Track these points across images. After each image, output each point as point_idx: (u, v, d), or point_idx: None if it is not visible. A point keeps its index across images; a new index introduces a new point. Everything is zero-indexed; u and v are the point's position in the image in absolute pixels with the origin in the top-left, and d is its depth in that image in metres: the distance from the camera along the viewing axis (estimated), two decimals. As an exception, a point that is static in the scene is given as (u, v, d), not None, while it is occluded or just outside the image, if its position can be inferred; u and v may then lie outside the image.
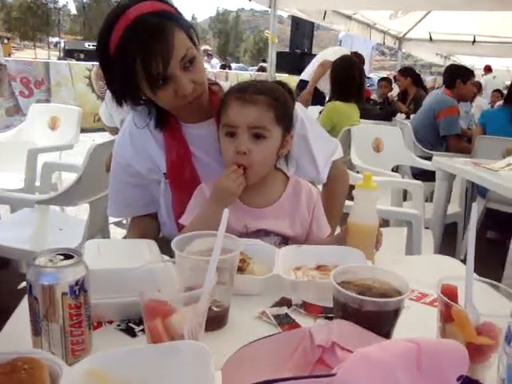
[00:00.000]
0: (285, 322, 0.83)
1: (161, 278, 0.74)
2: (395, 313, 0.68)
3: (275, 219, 1.20)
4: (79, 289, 0.66)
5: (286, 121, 1.18)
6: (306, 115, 1.40)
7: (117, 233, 2.79)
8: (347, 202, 1.50)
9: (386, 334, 0.68)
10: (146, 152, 1.33)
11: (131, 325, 0.81)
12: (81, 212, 2.55)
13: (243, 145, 1.12)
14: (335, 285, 0.69)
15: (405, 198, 3.10)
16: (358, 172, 3.09)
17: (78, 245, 2.07)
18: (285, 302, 0.90)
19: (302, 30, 14.27)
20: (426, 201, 3.07)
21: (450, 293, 0.68)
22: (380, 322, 0.67)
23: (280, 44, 6.58)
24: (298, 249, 1.07)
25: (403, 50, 10.76)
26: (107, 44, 1.13)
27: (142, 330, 0.79)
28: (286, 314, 0.86)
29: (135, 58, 1.09)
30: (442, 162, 2.85)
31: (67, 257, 0.68)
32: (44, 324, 0.65)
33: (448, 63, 13.90)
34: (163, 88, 1.15)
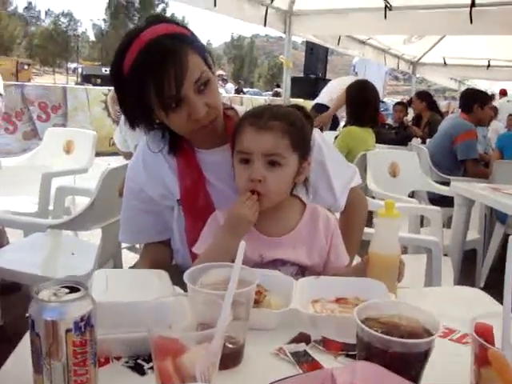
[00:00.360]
0: (303, 360, 0.78)
1: (172, 312, 0.70)
2: (425, 354, 0.62)
3: (292, 248, 1.15)
4: (85, 325, 0.62)
5: (302, 147, 1.14)
6: (324, 140, 1.36)
7: (129, 257, 2.75)
8: (366, 229, 1.45)
9: (415, 378, 0.62)
10: (159, 177, 1.30)
11: (140, 361, 0.76)
12: (94, 236, 2.53)
13: (258, 172, 1.09)
14: (359, 323, 0.64)
15: (421, 224, 3.03)
16: (373, 197, 3.04)
17: (90, 271, 2.04)
18: (303, 338, 0.85)
19: (316, 56, 14.38)
20: (443, 227, 3.00)
21: (485, 333, 0.63)
22: (408, 365, 0.62)
23: (294, 69, 6.62)
24: (316, 280, 1.02)
25: (417, 75, 10.76)
26: (121, 66, 1.12)
27: (152, 368, 0.73)
28: (305, 351, 0.81)
29: (147, 79, 1.07)
30: (460, 187, 2.79)
31: (72, 289, 0.64)
32: (46, 362, 0.61)
33: (462, 87, 13.88)
34: (176, 111, 1.12)
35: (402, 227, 2.61)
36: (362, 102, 3.36)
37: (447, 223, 3.28)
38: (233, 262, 1.13)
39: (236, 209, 1.09)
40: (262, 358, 0.80)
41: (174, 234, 1.35)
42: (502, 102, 10.84)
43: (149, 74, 1.07)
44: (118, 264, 2.40)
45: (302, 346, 0.82)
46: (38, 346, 0.61)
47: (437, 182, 3.54)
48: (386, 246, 1.03)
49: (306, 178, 1.22)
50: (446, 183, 3.44)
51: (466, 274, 2.94)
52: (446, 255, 2.48)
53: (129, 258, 2.77)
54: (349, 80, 5.25)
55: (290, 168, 1.12)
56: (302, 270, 1.18)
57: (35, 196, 3.09)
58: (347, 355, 0.80)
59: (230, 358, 0.76)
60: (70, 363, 0.62)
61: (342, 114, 5.04)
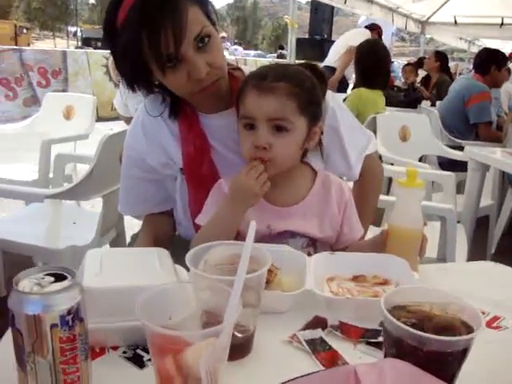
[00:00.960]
0: (320, 349, 0.70)
1: (174, 299, 0.62)
2: (464, 352, 0.54)
3: (302, 219, 1.07)
4: (73, 318, 0.54)
5: (312, 110, 1.04)
6: (338, 104, 1.26)
7: (134, 224, 2.68)
8: (382, 197, 1.36)
9: (451, 378, 0.54)
10: (160, 144, 1.20)
11: (139, 352, 0.69)
12: (96, 204, 2.46)
13: (262, 139, 0.99)
14: (388, 316, 0.55)
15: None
16: (382, 161, 2.93)
17: (91, 240, 1.98)
18: (319, 323, 0.77)
19: (322, 16, 13.97)
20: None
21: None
22: (445, 364, 0.54)
23: (299, 31, 6.40)
24: (331, 257, 0.94)
25: (426, 35, 10.45)
26: (114, 18, 1.01)
27: (152, 359, 0.66)
28: (321, 338, 0.73)
29: (142, 34, 0.96)
30: (475, 151, 2.68)
31: (58, 278, 0.56)
32: (30, 361, 0.53)
33: (472, 48, 13.51)
34: (174, 70, 1.01)
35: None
36: (372, 63, 3.20)
37: (457, 189, 3.18)
38: (237, 237, 1.08)
39: (240, 179, 1.00)
40: (273, 347, 0.72)
41: (176, 204, 1.27)
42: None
43: (143, 28, 0.96)
44: (120, 233, 2.34)
45: (317, 333, 0.74)
46: (21, 344, 0.53)
47: (448, 145, 3.42)
48: (409, 218, 0.94)
49: (319, 143, 1.12)
50: (458, 147, 3.33)
51: (477, 241, 2.86)
52: (458, 222, 2.39)
53: (133, 224, 2.70)
54: (354, 36, 5.07)
55: (298, 133, 1.02)
56: (313, 243, 1.10)
57: (35, 164, 3.01)
58: (368, 343, 0.72)
59: (239, 349, 0.69)
60: (58, 361, 0.54)
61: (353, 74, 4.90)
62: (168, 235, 1.31)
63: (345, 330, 0.75)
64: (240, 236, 1.07)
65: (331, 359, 0.68)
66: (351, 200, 1.13)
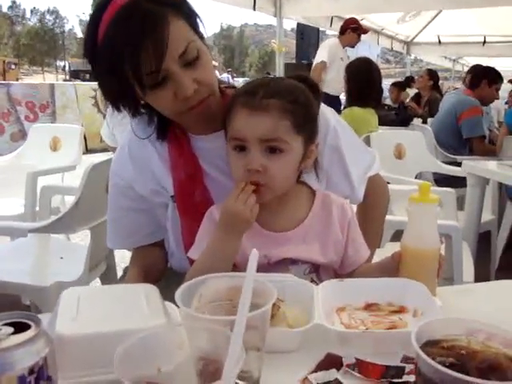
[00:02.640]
0: (337, 394, 0.60)
1: (164, 347, 0.52)
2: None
3: (302, 244, 0.97)
4: (36, 379, 0.44)
5: (308, 128, 0.95)
6: (339, 122, 1.18)
7: (126, 255, 2.57)
8: (388, 217, 1.28)
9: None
10: (148, 171, 1.11)
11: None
12: (86, 238, 2.35)
13: (255, 161, 0.90)
14: (423, 356, 0.46)
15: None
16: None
17: (80, 276, 1.87)
18: (333, 362, 0.67)
19: (308, 41, 14.09)
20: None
21: None
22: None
23: (285, 57, 6.42)
24: (340, 284, 0.84)
25: (411, 55, 10.58)
26: (95, 34, 0.93)
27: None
28: (337, 380, 0.63)
29: (122, 52, 0.88)
30: (473, 166, 2.62)
31: (19, 327, 0.46)
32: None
33: (456, 66, 13.68)
34: (159, 89, 0.93)
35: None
36: (366, 81, 3.16)
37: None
38: (234, 268, 0.98)
39: (229, 205, 0.91)
40: (282, 394, 0.62)
41: (168, 234, 1.17)
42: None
43: (122, 45, 0.88)
44: (111, 266, 2.24)
45: (332, 374, 0.64)
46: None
47: (443, 162, 3.36)
48: (424, 237, 0.85)
49: (316, 161, 1.03)
50: (453, 163, 3.28)
51: (480, 258, 2.78)
52: (461, 239, 2.32)
53: (125, 256, 2.58)
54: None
55: (294, 153, 0.93)
56: (316, 268, 1.00)
57: (22, 197, 2.91)
58: (391, 383, 0.62)
59: (243, 398, 0.58)
60: (20, 433, 0.44)
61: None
62: (159, 268, 1.21)
63: (363, 368, 0.65)
64: (237, 268, 0.97)
65: (351, 406, 0.58)
66: (354, 219, 1.04)
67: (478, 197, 2.61)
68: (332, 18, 6.70)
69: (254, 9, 5.61)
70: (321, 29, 9.64)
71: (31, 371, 0.43)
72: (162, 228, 1.17)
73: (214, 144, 1.06)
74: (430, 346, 0.49)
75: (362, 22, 7.49)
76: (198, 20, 0.98)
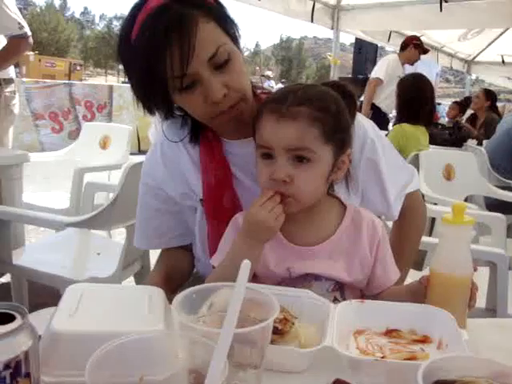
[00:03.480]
0: (339, 426, 0.55)
1: (152, 354, 0.49)
2: None
3: (328, 260, 0.93)
4: (12, 374, 0.42)
5: (339, 137, 0.90)
6: (378, 135, 1.13)
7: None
8: (424, 238, 1.21)
9: None
10: (179, 173, 1.10)
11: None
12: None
13: (281, 171, 0.87)
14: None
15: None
16: (425, 201, 2.75)
17: (113, 273, 1.89)
18: (340, 389, 0.62)
19: (365, 55, 13.93)
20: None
21: None
22: None
23: (342, 71, 6.38)
24: (361, 305, 0.79)
25: (472, 75, 10.23)
26: (128, 37, 0.92)
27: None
28: (342, 409, 0.58)
29: (151, 55, 0.88)
30: (527, 191, 2.47)
31: (3, 318, 0.44)
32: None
33: (521, 89, 13.12)
34: (190, 92, 0.92)
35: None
36: (417, 97, 3.05)
37: (507, 232, 2.95)
38: (254, 280, 0.94)
39: (253, 212, 0.88)
40: (281, 418, 0.58)
41: (195, 239, 1.15)
42: None
43: (151, 48, 0.88)
44: (146, 265, 2.25)
45: (338, 402, 0.59)
46: None
47: (496, 186, 3.20)
48: (456, 261, 0.78)
49: (347, 173, 0.99)
50: (506, 188, 3.12)
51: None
52: (510, 269, 2.18)
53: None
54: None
55: (323, 164, 0.89)
56: (340, 286, 0.95)
57: (69, 192, 3.00)
58: (402, 420, 0.57)
59: (236, 419, 0.55)
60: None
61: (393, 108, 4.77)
62: (184, 272, 1.20)
63: (372, 400, 0.60)
64: (258, 280, 0.94)
65: None
66: (385, 237, 0.98)
67: (531, 225, 2.47)
68: (390, 33, 6.58)
69: (312, 21, 5.60)
70: (379, 44, 9.51)
71: (6, 366, 0.41)
72: (191, 232, 1.15)
73: (246, 150, 1.02)
74: (441, 384, 0.44)
75: (420, 38, 7.37)
76: (231, 23, 0.96)
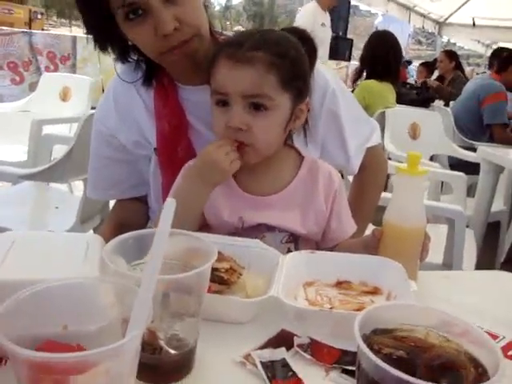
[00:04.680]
0: (279, 375, 0.54)
1: (80, 302, 0.45)
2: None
3: (282, 211, 0.90)
4: None
5: (297, 84, 0.87)
6: (340, 86, 1.10)
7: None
8: (384, 194, 1.20)
9: None
10: (133, 120, 1.05)
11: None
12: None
13: (237, 119, 0.83)
14: (361, 344, 0.39)
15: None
16: (390, 159, 2.76)
17: (71, 227, 1.84)
18: (284, 340, 0.60)
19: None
20: (465, 195, 2.73)
21: None
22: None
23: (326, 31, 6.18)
24: (312, 256, 0.77)
25: (443, 37, 10.23)
26: None
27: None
28: (284, 360, 0.56)
29: None
30: (489, 152, 2.51)
31: None
32: None
33: (489, 52, 13.22)
34: (140, 23, 0.87)
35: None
36: (389, 54, 3.02)
37: (468, 192, 3.01)
38: (207, 230, 0.91)
39: (208, 151, 0.85)
40: (220, 369, 0.56)
41: (150, 189, 1.11)
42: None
43: None
44: (105, 219, 2.20)
45: (280, 353, 0.57)
46: None
47: (460, 146, 3.24)
48: (408, 213, 0.77)
49: (306, 123, 0.95)
50: (470, 149, 3.16)
51: (486, 248, 2.69)
52: (467, 227, 2.23)
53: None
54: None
55: (281, 112, 0.86)
56: (295, 238, 0.93)
57: (26, 145, 2.87)
58: (344, 370, 0.56)
59: (173, 369, 0.53)
60: None
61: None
62: (139, 223, 1.16)
63: (316, 350, 0.58)
64: (211, 230, 0.91)
65: (293, 390, 0.52)
66: (342, 190, 0.96)
67: (491, 184, 2.51)
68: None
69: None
70: (352, 2, 9.35)
71: None
72: (145, 183, 1.12)
73: (203, 96, 0.97)
74: (378, 334, 0.42)
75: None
76: None
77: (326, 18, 4.65)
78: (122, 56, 1.00)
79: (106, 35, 0.95)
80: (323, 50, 4.67)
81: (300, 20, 4.60)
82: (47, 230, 1.83)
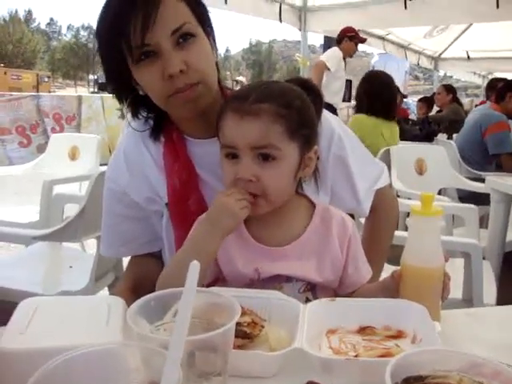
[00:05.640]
0: (312, 431, 0.53)
1: (108, 368, 0.45)
2: None
3: (297, 260, 0.90)
4: None
5: (304, 133, 0.88)
6: (345, 131, 1.12)
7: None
8: (396, 232, 1.19)
9: None
10: (143, 177, 1.07)
11: None
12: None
13: (246, 170, 0.84)
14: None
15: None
16: (398, 196, 2.76)
17: (85, 285, 1.84)
18: (312, 392, 0.59)
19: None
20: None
21: None
22: None
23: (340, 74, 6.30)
24: (332, 304, 0.76)
25: (439, 71, 10.40)
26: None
27: None
28: (314, 413, 0.55)
29: (114, 23, 0.90)
30: (497, 181, 2.50)
31: None
32: None
33: (486, 83, 13.40)
34: (149, 65, 0.92)
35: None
36: (372, 93, 3.09)
37: (480, 223, 2.98)
38: (222, 284, 0.91)
39: (218, 198, 0.86)
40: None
41: (164, 245, 1.11)
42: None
43: (115, 16, 0.90)
44: (119, 276, 2.20)
45: (310, 406, 0.56)
46: None
47: (467, 178, 3.24)
48: (425, 253, 0.77)
49: (316, 170, 0.97)
50: (477, 179, 3.16)
51: (504, 279, 2.64)
52: (483, 259, 2.20)
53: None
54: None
55: (289, 161, 0.87)
56: (312, 287, 0.93)
57: (38, 205, 2.91)
58: (377, 421, 0.54)
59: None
60: None
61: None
62: (154, 280, 1.15)
63: (346, 401, 0.57)
64: (226, 282, 0.91)
65: None
66: (355, 235, 0.96)
67: (502, 214, 2.49)
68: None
69: (281, 21, 5.61)
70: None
71: None
72: (159, 238, 1.12)
73: (212, 149, 0.99)
74: (411, 382, 0.42)
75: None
76: (202, 8, 0.98)
77: (344, 66, 4.79)
78: (134, 108, 1.04)
79: (121, 83, 1.00)
80: (341, 95, 4.77)
81: (330, 59, 4.59)
82: (62, 290, 1.83)
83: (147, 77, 0.94)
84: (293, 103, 0.87)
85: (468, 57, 9.13)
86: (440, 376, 0.43)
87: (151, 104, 1.00)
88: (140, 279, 1.13)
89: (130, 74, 0.96)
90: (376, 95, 3.08)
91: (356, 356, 0.65)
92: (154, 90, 0.96)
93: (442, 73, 11.48)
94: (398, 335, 0.72)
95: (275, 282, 0.89)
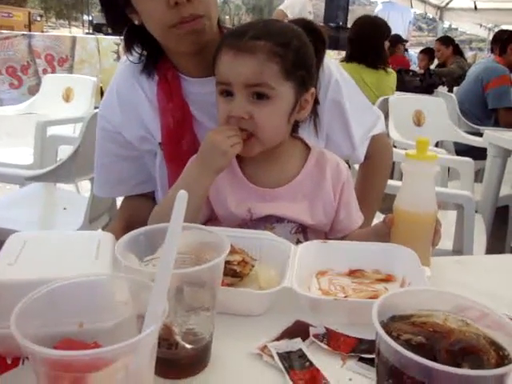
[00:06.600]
0: (297, 366, 0.53)
1: (95, 300, 0.45)
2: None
3: (290, 202, 0.90)
4: None
5: (300, 74, 0.86)
6: (343, 76, 1.10)
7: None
8: (391, 182, 1.19)
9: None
10: (137, 116, 1.05)
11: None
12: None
13: (240, 108, 0.83)
14: (381, 332, 0.38)
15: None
16: (395, 147, 2.74)
17: (79, 227, 1.84)
18: (299, 331, 0.60)
19: (337, 4, 13.65)
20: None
21: None
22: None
23: (315, 20, 6.16)
24: (324, 246, 0.77)
25: (444, 22, 10.14)
26: None
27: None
28: (300, 350, 0.56)
29: None
30: (495, 136, 2.48)
31: None
32: None
33: (492, 35, 13.09)
34: None
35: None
36: (354, 38, 2.99)
37: (475, 177, 2.99)
38: (216, 223, 0.91)
39: (210, 134, 0.85)
40: (236, 362, 0.56)
41: (156, 185, 1.11)
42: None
43: None
44: (114, 217, 2.21)
45: (296, 343, 0.57)
46: None
47: (466, 132, 3.21)
48: (418, 199, 0.76)
49: (315, 116, 0.95)
50: (476, 134, 3.13)
51: (495, 232, 2.68)
52: (476, 212, 2.22)
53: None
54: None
55: (283, 101, 0.85)
56: (304, 229, 0.93)
57: (31, 147, 2.88)
58: (360, 359, 0.55)
59: (189, 364, 0.52)
60: None
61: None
62: (146, 221, 1.16)
63: (332, 339, 0.58)
64: (219, 222, 0.91)
65: (311, 380, 0.52)
66: (349, 181, 0.96)
67: (498, 169, 2.49)
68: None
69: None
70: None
71: None
72: (152, 178, 1.12)
73: (207, 89, 0.96)
74: (397, 321, 0.42)
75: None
76: None
77: (311, 6, 4.67)
78: (129, 41, 1.00)
79: (116, 11, 0.96)
80: None
81: (289, 9, 4.58)
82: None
83: (150, 3, 0.89)
84: (290, 43, 0.84)
85: (475, 7, 8.86)
86: (425, 315, 0.43)
87: (147, 38, 0.96)
88: (132, 219, 1.13)
89: (125, 0, 0.92)
90: (359, 41, 2.98)
91: (345, 297, 0.66)
92: (156, 18, 0.91)
93: (446, 24, 11.17)
94: (388, 279, 0.73)
95: (267, 222, 0.90)
